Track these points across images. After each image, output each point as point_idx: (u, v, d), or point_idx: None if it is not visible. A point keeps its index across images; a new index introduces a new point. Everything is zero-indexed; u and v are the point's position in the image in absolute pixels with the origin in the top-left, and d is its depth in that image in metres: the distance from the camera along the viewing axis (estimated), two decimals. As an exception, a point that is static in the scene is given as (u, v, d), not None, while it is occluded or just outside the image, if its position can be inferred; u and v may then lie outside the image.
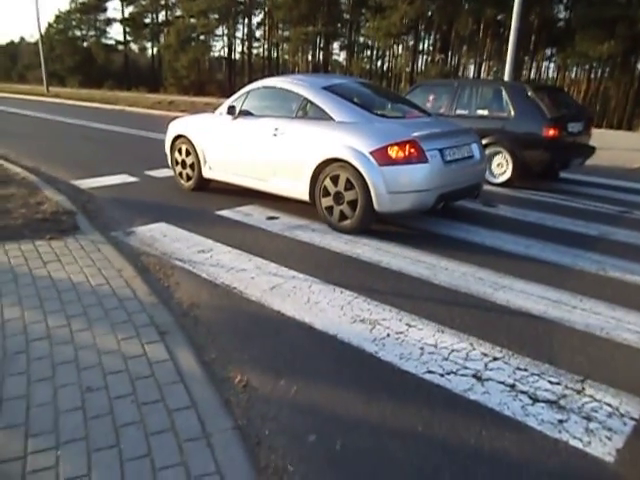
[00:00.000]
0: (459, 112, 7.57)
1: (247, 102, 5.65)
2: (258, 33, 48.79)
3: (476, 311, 3.25)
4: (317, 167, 4.80)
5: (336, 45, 45.02)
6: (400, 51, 41.30)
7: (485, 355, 2.71)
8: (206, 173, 6.03)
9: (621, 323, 3.13)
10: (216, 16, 44.92)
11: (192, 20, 45.10)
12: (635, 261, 4.27)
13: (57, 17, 56.25)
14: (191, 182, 6.24)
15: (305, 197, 5.02)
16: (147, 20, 54.00)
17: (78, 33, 57.11)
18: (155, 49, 55.16)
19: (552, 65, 39.21)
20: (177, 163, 6.35)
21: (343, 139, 4.64)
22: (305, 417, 2.20)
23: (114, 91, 36.83)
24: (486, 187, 6.40)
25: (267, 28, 46.66)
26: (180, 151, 6.25)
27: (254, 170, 5.45)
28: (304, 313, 3.13)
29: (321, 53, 43.30)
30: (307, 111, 5.10)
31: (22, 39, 75.79)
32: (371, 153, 4.44)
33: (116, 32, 57.37)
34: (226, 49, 49.91)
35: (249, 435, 2.06)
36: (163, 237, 4.50)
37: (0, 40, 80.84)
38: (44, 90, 31.61)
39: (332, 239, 4.57)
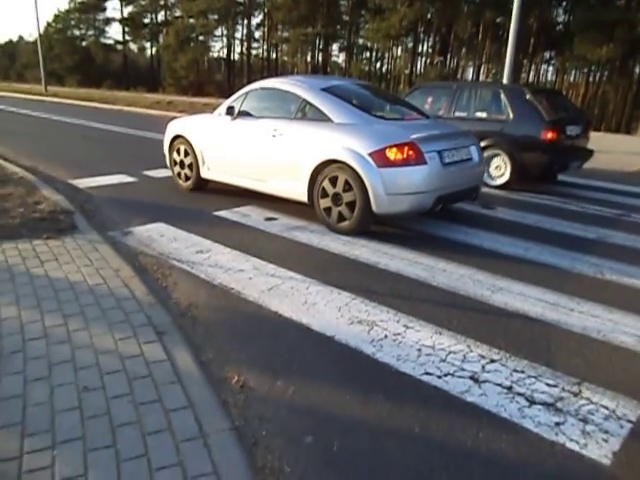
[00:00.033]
0: (458, 114, 7.59)
1: (246, 103, 5.65)
2: (257, 34, 48.90)
3: (474, 313, 3.25)
4: (316, 168, 4.80)
5: (335, 47, 45.12)
6: (399, 53, 41.43)
7: (482, 357, 2.71)
8: (204, 173, 6.03)
9: (618, 326, 3.14)
10: (215, 17, 44.91)
11: (191, 20, 45.07)
12: (632, 264, 4.28)
13: (56, 16, 56.26)
14: (189, 182, 6.24)
15: (303, 198, 5.02)
16: (146, 20, 53.99)
17: (77, 32, 57.06)
18: (154, 49, 55.21)
19: (551, 68, 39.35)
20: (175, 163, 6.35)
21: (342, 140, 4.64)
22: (302, 418, 2.20)
23: (113, 91, 36.79)
24: (484, 189, 6.41)
25: (266, 29, 46.67)
26: (178, 151, 6.24)
27: (252, 171, 5.45)
28: (302, 314, 3.13)
29: (320, 54, 43.37)
30: (306, 112, 5.10)
31: (21, 38, 75.72)
32: (370, 155, 4.44)
33: (115, 32, 58.08)
34: (225, 50, 49.98)
35: (246, 436, 2.06)
36: (161, 237, 4.49)
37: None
38: (42, 89, 31.55)
39: (330, 240, 4.57)
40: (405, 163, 4.42)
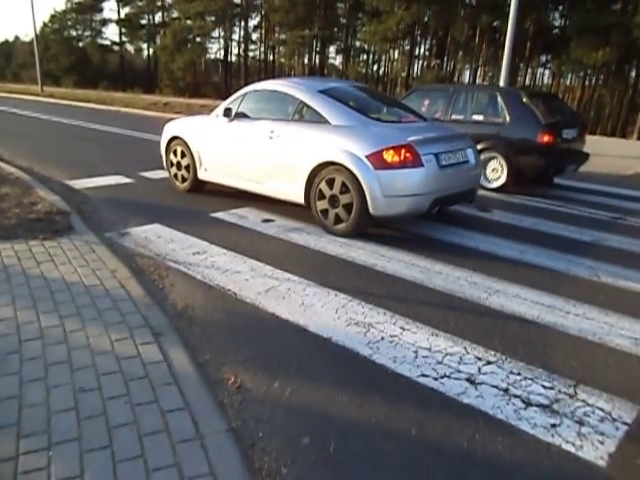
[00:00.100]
0: (454, 117, 7.61)
1: (243, 104, 5.66)
2: (254, 36, 48.97)
3: (470, 315, 3.26)
4: (313, 170, 4.80)
5: (332, 49, 45.30)
6: (396, 56, 41.54)
7: (479, 359, 2.72)
8: (201, 175, 6.03)
9: (614, 328, 3.15)
10: (213, 18, 44.95)
11: (188, 22, 45.02)
12: (628, 267, 4.30)
13: (52, 17, 56.04)
14: (186, 184, 6.23)
15: (300, 200, 5.02)
16: (143, 21, 53.95)
17: (74, 33, 56.92)
18: (151, 50, 55.09)
19: (547, 72, 39.62)
20: (172, 165, 6.35)
21: (339, 143, 4.65)
22: (299, 419, 2.20)
23: (109, 92, 36.68)
24: (481, 192, 6.44)
25: (264, 31, 46.70)
26: (175, 153, 6.24)
27: (250, 172, 5.45)
28: (298, 316, 3.13)
29: (317, 57, 43.45)
30: (303, 114, 5.11)
31: (17, 38, 75.41)
32: (367, 157, 4.45)
33: (112, 33, 57.87)
34: (222, 51, 50.00)
35: (243, 437, 2.06)
36: (158, 238, 4.49)
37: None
38: (38, 90, 31.44)
39: (327, 242, 4.58)
40: (402, 165, 4.43)
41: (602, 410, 2.32)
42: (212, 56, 52.14)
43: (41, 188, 5.77)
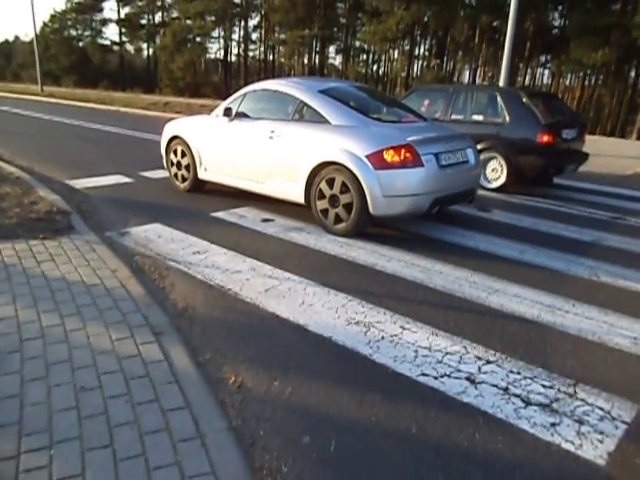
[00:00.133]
0: (454, 117, 7.62)
1: (243, 104, 5.66)
2: (254, 36, 48.96)
3: (470, 315, 3.27)
4: (313, 170, 4.81)
5: (332, 49, 45.28)
6: (396, 56, 41.50)
7: (479, 358, 2.72)
8: (201, 175, 6.03)
9: (613, 328, 3.16)
10: (212, 18, 44.94)
11: (188, 22, 45.01)
12: (627, 267, 4.31)
13: (52, 16, 56.00)
14: (186, 183, 6.24)
15: (300, 200, 5.03)
16: (143, 21, 53.92)
17: (74, 33, 56.87)
18: (151, 50, 55.05)
19: (547, 72, 39.60)
20: (172, 164, 6.35)
21: (339, 142, 4.65)
22: (299, 418, 2.21)
23: (109, 91, 36.66)
24: (481, 192, 6.45)
25: (263, 31, 46.69)
26: (175, 152, 6.24)
27: (250, 172, 5.46)
28: (299, 315, 3.13)
29: (317, 57, 43.44)
30: (303, 114, 5.11)
31: (17, 38, 75.40)
32: (367, 157, 4.46)
33: (112, 32, 57.71)
34: (222, 51, 49.99)
35: (243, 435, 2.06)
36: (158, 238, 4.49)
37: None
38: (38, 89, 31.42)
39: (327, 242, 4.58)
40: (402, 165, 4.44)
41: (601, 409, 2.33)
42: (212, 56, 52.24)
43: (41, 188, 5.78)
